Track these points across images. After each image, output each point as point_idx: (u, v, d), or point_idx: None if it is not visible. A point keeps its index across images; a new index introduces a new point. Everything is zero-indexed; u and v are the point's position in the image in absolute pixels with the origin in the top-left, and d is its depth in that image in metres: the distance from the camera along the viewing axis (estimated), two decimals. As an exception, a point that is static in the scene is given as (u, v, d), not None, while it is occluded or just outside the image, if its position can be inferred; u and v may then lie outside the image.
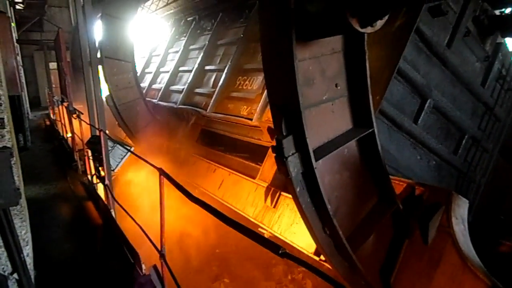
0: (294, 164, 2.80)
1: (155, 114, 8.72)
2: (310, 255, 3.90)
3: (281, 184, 4.77)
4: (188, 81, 8.38)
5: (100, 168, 4.61)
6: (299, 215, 4.33)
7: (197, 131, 7.44)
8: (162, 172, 2.31)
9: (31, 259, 3.12)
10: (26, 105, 11.29)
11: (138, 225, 2.85)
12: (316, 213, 3.03)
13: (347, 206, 3.36)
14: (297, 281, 5.77)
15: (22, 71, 11.59)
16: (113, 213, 4.12)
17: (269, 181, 4.95)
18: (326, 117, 3.14)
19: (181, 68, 9.20)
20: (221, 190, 5.78)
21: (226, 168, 6.00)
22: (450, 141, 5.54)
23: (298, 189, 2.88)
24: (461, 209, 3.60)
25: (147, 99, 9.11)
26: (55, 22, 18.84)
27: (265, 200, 4.84)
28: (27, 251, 3.00)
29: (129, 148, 3.87)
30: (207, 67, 8.17)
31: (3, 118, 2.73)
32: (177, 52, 9.67)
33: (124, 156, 4.38)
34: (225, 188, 5.72)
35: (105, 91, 7.43)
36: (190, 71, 8.61)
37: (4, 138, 2.75)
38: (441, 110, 5.13)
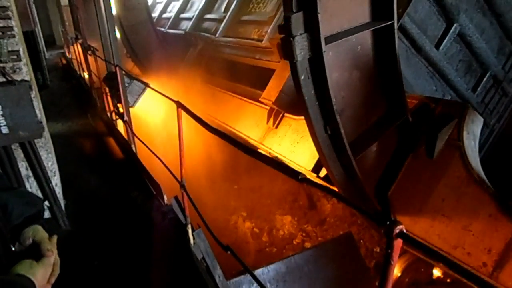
0: (301, 46, 2.52)
1: (164, 43, 8.44)
2: (308, 172, 3.81)
3: (285, 103, 4.58)
4: (199, 7, 7.97)
5: (118, 105, 4.65)
6: (300, 135, 4.25)
7: (205, 57, 7.22)
8: (179, 105, 2.29)
9: (60, 188, 3.29)
10: (41, 42, 11.20)
11: (159, 158, 2.92)
12: (319, 108, 2.80)
13: (353, 110, 3.11)
14: (311, 214, 5.99)
15: (33, 7, 11.32)
16: (133, 148, 4.23)
17: (273, 99, 4.67)
18: (343, 2, 2.80)
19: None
20: (225, 114, 5.69)
21: (230, 93, 5.85)
22: (470, 77, 5.17)
23: (302, 77, 2.62)
24: (474, 126, 3.39)
25: (157, 28, 8.86)
26: (62, -47, 17.88)
27: (268, 121, 4.72)
28: (55, 181, 3.17)
29: (146, 83, 3.83)
30: None
31: (18, 50, 2.71)
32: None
33: (142, 91, 4.37)
34: (229, 112, 5.63)
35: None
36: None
37: (22, 71, 2.75)
38: (466, 39, 4.72)
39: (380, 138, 3.31)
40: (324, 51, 2.56)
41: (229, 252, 2.05)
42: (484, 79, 5.27)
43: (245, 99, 5.45)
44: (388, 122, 3.37)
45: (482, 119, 3.48)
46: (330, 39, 2.67)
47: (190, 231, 2.65)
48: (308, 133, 3.62)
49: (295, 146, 4.21)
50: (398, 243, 0.90)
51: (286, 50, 2.54)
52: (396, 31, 3.10)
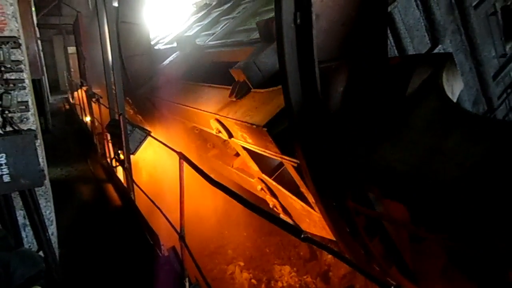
0: None
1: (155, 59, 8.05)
2: (260, 128, 3.39)
3: (254, 77, 4.10)
4: (196, 30, 8.07)
5: (119, 152, 4.69)
6: (261, 102, 3.79)
7: (189, 59, 6.84)
8: (182, 156, 2.34)
9: (56, 237, 3.24)
10: (47, 88, 11.52)
11: (158, 208, 2.91)
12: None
13: (329, 24, 2.74)
14: (311, 265, 5.83)
15: (42, 55, 11.80)
16: (132, 196, 4.21)
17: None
18: None
19: (195, 24, 8.90)
20: (189, 100, 5.24)
21: (201, 83, 5.51)
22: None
23: None
24: (453, 81, 3.05)
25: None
26: (73, 5, 18.96)
27: (230, 94, 4.26)
28: (52, 230, 3.12)
29: (148, 131, 3.89)
30: (222, 18, 7.84)
31: (27, 101, 2.80)
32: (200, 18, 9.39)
33: (143, 139, 4.44)
34: (194, 98, 5.21)
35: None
36: (202, 24, 8.34)
37: (29, 121, 2.83)
38: None
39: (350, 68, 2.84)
40: None
41: (228, 309, 1.99)
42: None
43: (212, 85, 5.08)
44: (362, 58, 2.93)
45: (462, 83, 3.18)
46: None
47: (187, 284, 2.58)
48: (270, 101, 3.38)
49: (252, 111, 3.79)
50: (403, 309, 0.90)
51: None
52: None
